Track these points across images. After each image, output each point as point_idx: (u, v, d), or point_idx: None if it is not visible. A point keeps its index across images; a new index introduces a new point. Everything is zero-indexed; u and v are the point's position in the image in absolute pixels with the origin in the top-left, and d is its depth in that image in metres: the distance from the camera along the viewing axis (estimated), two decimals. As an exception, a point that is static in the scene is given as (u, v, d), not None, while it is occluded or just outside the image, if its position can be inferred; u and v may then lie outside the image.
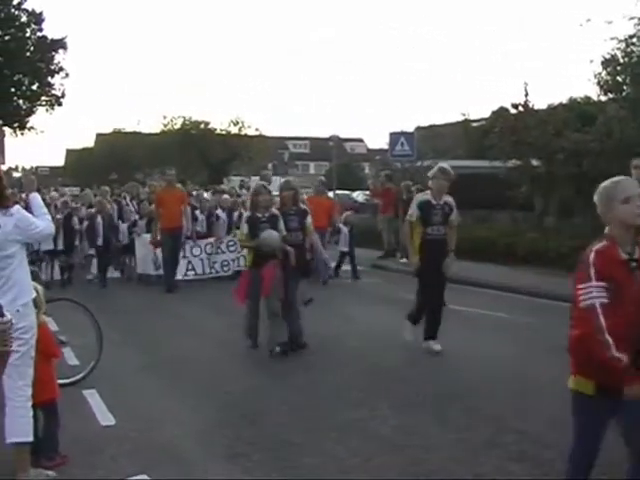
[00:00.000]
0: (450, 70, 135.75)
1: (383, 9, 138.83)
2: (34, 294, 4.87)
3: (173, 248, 13.51)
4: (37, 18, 32.81)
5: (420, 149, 20.90)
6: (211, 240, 14.55)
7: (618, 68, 18.21)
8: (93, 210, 14.62)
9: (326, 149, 47.90)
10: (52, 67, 33.52)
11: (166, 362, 8.07)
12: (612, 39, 17.79)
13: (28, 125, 33.49)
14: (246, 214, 8.97)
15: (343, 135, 40.87)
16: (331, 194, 18.90)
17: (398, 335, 9.29)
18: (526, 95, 18.18)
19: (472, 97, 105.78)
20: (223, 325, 10.19)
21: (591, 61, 18.52)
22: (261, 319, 8.54)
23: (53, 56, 33.43)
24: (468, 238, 16.58)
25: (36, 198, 5.15)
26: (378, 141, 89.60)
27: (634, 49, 17.68)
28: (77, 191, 34.24)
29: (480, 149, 26.49)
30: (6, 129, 25.48)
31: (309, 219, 8.80)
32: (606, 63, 18.32)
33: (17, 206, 4.87)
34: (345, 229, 15.12)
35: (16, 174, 19.96)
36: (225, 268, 14.63)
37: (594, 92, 19.82)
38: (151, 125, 41.80)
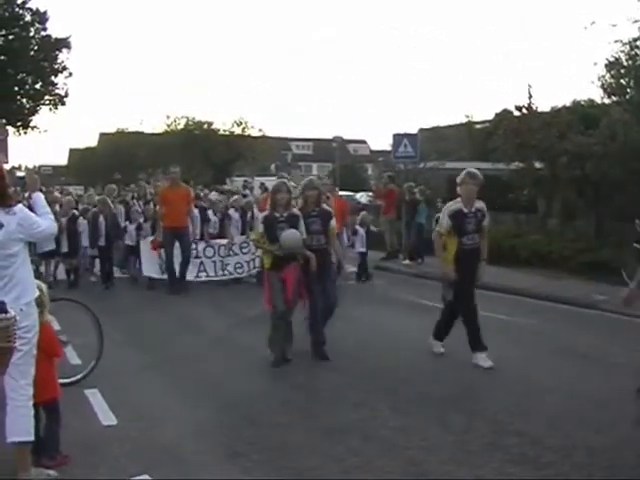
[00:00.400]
0: (453, 71, 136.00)
1: (385, 9, 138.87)
2: (37, 293, 4.88)
3: (182, 248, 13.09)
4: (41, 17, 32.83)
5: (423, 151, 20.89)
6: (224, 242, 14.06)
7: (622, 71, 18.23)
8: (95, 209, 14.29)
9: (329, 150, 47.95)
10: (56, 66, 33.51)
11: (167, 362, 8.08)
12: (616, 42, 17.82)
13: (31, 124, 33.50)
14: (263, 213, 8.43)
15: (346, 136, 40.93)
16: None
17: (399, 336, 9.31)
18: (530, 97, 18.20)
19: (475, 99, 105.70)
20: (225, 325, 10.21)
21: (595, 64, 18.62)
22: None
23: (57, 55, 33.42)
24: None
25: (39, 197, 5.16)
26: (381, 142, 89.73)
27: (638, 52, 17.69)
28: (81, 190, 34.32)
29: (484, 151, 26.51)
30: (9, 128, 25.51)
31: (333, 222, 8.33)
32: (610, 66, 18.34)
33: (20, 205, 4.88)
34: (362, 230, 14.72)
35: (20, 173, 19.90)
36: (239, 270, 14.12)
37: (598, 95, 19.91)
38: (154, 125, 41.75)
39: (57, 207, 13.94)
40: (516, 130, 18.00)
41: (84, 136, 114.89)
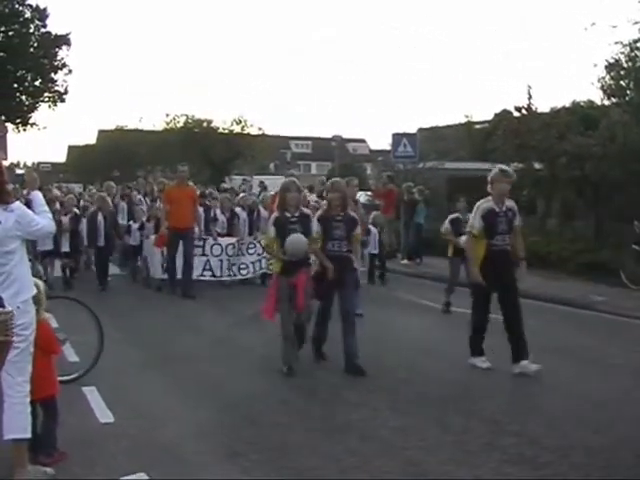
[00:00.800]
0: (452, 71, 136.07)
1: (385, 9, 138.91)
2: (35, 290, 4.87)
3: (184, 250, 12.76)
4: (41, 14, 32.75)
5: (422, 151, 20.88)
6: (233, 240, 13.69)
7: (622, 72, 18.23)
8: (94, 207, 13.90)
9: (328, 149, 48.01)
10: (55, 63, 33.43)
11: (166, 360, 8.06)
12: (616, 43, 17.85)
13: (30, 121, 33.44)
14: (273, 215, 7.85)
15: (345, 135, 40.91)
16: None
17: (398, 336, 9.30)
18: (529, 98, 18.20)
19: (475, 98, 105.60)
20: (224, 324, 10.21)
21: (595, 65, 18.56)
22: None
23: (56, 52, 33.34)
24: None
25: (37, 196, 5.14)
26: (380, 142, 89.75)
27: (638, 54, 17.69)
28: (79, 188, 34.26)
29: (483, 151, 26.49)
30: (8, 125, 25.49)
31: (358, 229, 7.89)
32: (610, 67, 18.34)
33: (18, 202, 4.87)
34: (374, 230, 14.15)
35: (19, 171, 19.79)
36: (243, 272, 13.80)
37: (598, 96, 19.88)
38: (154, 123, 41.66)
39: (57, 205, 13.60)
40: (515, 131, 18.01)
41: (83, 133, 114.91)
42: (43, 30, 33.06)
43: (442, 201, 21.84)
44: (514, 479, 4.83)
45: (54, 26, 35.07)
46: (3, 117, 28.99)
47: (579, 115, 18.64)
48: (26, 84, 33.07)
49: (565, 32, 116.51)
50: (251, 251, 13.79)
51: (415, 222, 17.44)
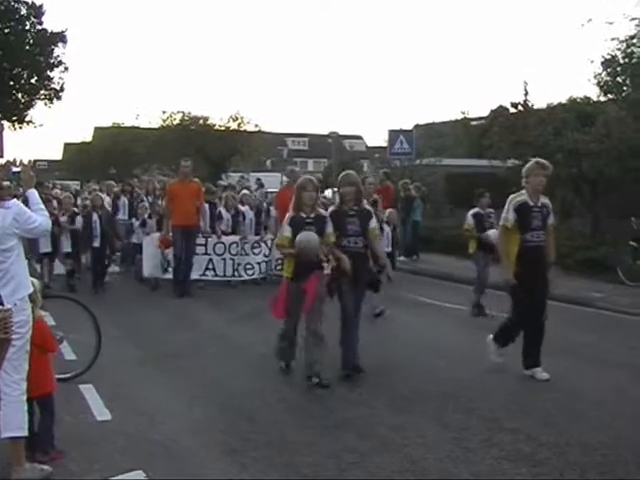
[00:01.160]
0: (449, 67, 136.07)
1: (381, 5, 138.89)
2: (32, 289, 4.86)
3: (187, 248, 12.30)
4: (37, 11, 32.65)
5: (419, 147, 20.89)
6: (236, 239, 13.25)
7: (618, 69, 18.20)
8: (87, 204, 13.37)
9: (325, 146, 47.90)
10: (51, 61, 33.35)
11: (164, 358, 8.05)
12: (612, 40, 17.80)
13: (27, 119, 33.37)
14: (288, 214, 7.31)
15: (342, 132, 40.74)
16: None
17: (395, 333, 9.30)
18: (526, 94, 18.19)
19: (471, 95, 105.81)
20: (222, 322, 10.19)
21: (591, 61, 18.51)
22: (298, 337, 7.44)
23: (52, 49, 33.26)
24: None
25: (33, 194, 5.13)
26: (377, 139, 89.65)
27: (634, 50, 17.68)
28: (76, 185, 34.18)
29: (479, 148, 26.51)
30: (4, 122, 25.40)
31: (373, 222, 7.41)
32: (606, 64, 18.31)
33: (14, 200, 4.86)
34: (388, 228, 14.03)
35: (15, 168, 19.69)
36: (249, 272, 13.34)
37: (594, 92, 19.81)
38: (150, 120, 41.46)
39: (55, 203, 13.37)
40: (512, 127, 17.99)
41: (79, 131, 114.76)
42: (39, 27, 32.97)
43: (439, 198, 21.89)
44: (512, 476, 4.83)
45: (50, 23, 35.17)
46: (-1, 115, 28.96)
47: (575, 111, 18.61)
48: (22, 82, 32.98)
49: (561, 28, 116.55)
50: (256, 251, 13.41)
51: (412, 219, 17.42)
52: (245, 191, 15.53)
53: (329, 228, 7.13)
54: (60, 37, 33.31)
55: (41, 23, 32.98)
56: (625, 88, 18.42)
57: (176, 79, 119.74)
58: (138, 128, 43.09)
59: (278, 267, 12.58)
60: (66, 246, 12.76)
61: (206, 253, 12.99)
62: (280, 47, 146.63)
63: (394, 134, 19.66)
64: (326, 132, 35.41)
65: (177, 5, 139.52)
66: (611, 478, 4.85)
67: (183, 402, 6.46)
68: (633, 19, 17.22)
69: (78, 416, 5.97)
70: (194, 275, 12.75)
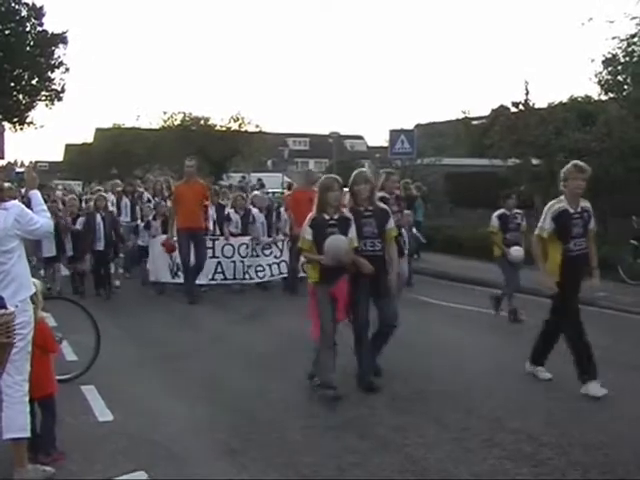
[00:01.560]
0: (450, 67, 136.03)
1: (382, 5, 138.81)
2: (33, 290, 4.86)
3: (196, 252, 11.77)
4: (37, 12, 32.70)
5: (420, 147, 20.89)
6: (246, 240, 12.79)
7: (619, 68, 18.19)
8: (91, 205, 12.75)
9: (326, 146, 47.90)
10: (52, 62, 33.41)
11: (165, 359, 8.05)
12: (613, 38, 17.79)
13: (28, 120, 33.42)
14: (309, 216, 6.70)
15: (343, 132, 40.79)
16: None
17: (396, 333, 9.27)
18: (527, 94, 18.19)
19: (472, 94, 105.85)
20: (223, 322, 10.20)
21: (592, 60, 18.48)
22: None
23: (53, 51, 33.31)
24: (472, 237, 16.58)
25: (36, 195, 5.13)
26: (378, 139, 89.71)
27: (635, 49, 17.66)
28: (78, 186, 34.21)
29: (480, 147, 26.50)
30: (5, 124, 25.47)
31: (391, 222, 6.92)
32: (607, 62, 18.29)
33: (15, 201, 4.86)
34: (403, 231, 13.64)
35: (19, 169, 19.63)
36: (260, 274, 12.87)
37: (595, 91, 19.82)
38: (151, 121, 41.53)
39: (60, 205, 13.19)
40: (513, 126, 18.00)
41: (80, 132, 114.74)
42: (40, 29, 33.04)
43: (439, 197, 21.88)
44: (513, 476, 4.83)
45: (51, 24, 35.16)
46: (0, 116, 28.97)
47: (576, 110, 18.62)
48: (23, 83, 33.05)
49: (562, 27, 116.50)
50: (267, 252, 12.94)
51: (413, 219, 17.39)
52: (257, 192, 15.29)
53: (352, 232, 6.57)
54: (61, 38, 33.37)
55: (42, 24, 33.06)
56: (626, 87, 18.41)
57: (177, 80, 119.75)
58: (139, 129, 43.17)
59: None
60: (69, 249, 12.39)
61: (214, 256, 12.52)
62: (281, 47, 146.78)
63: (395, 134, 19.66)
64: (327, 132, 35.48)
65: (178, 6, 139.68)
66: (613, 478, 4.85)
67: (184, 402, 6.46)
68: (634, 18, 17.20)
69: (80, 417, 5.98)
70: (203, 280, 12.36)
